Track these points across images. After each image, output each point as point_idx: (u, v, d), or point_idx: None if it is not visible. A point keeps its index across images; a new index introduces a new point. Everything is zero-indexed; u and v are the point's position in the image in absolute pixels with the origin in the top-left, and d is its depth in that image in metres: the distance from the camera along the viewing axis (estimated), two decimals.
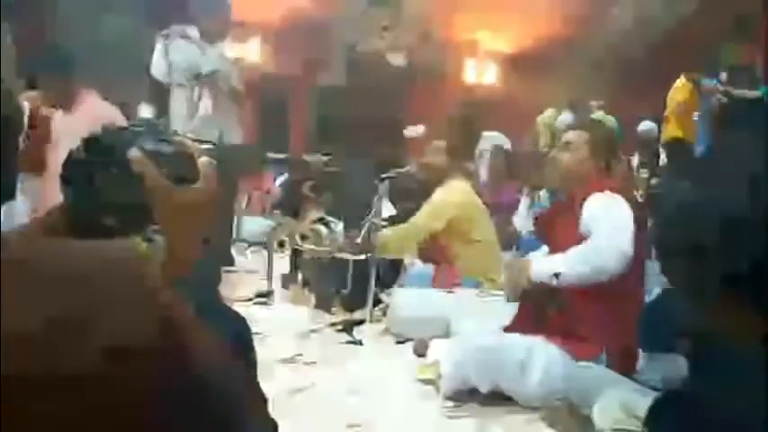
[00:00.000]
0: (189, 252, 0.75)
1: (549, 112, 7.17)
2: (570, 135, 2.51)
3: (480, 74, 9.03)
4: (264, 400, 0.73)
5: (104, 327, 0.49)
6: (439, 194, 3.46)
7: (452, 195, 3.42)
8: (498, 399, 2.29)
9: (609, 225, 2.23)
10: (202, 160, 0.75)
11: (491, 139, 5.90)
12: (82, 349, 0.48)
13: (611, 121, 7.18)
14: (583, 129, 2.53)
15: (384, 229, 3.47)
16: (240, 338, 0.79)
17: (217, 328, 0.63)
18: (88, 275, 0.52)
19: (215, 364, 0.59)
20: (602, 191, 2.32)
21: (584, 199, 2.30)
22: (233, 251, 4.51)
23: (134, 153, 0.71)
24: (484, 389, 2.28)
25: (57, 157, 3.06)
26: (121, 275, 0.53)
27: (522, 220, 4.55)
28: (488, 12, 8.28)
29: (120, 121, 3.47)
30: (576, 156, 2.45)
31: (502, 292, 2.77)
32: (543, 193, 4.83)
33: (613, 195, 2.30)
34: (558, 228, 2.40)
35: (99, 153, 0.72)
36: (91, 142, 0.73)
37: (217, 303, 0.80)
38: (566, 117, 7.44)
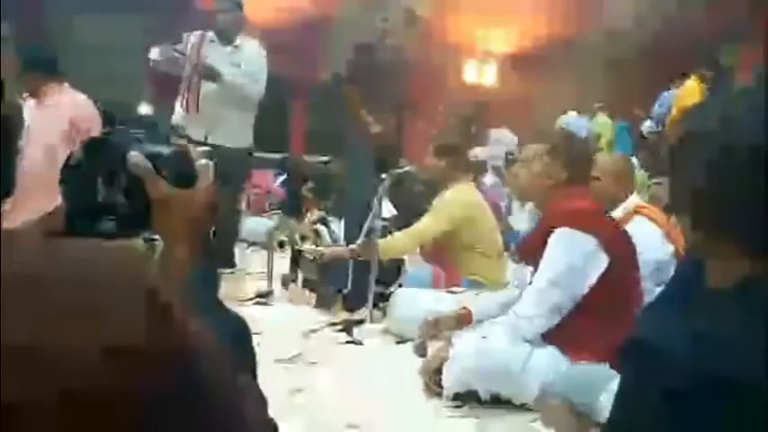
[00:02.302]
0: (188, 253, 0.75)
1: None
2: (526, 150, 2.44)
3: (480, 74, 9.03)
4: (264, 401, 0.73)
5: (103, 327, 0.49)
6: (442, 199, 3.45)
7: (455, 199, 3.40)
8: (498, 399, 2.30)
9: (544, 279, 2.25)
10: (201, 162, 0.75)
11: (496, 136, 5.92)
12: (80, 349, 0.48)
13: (607, 123, 7.17)
14: (539, 141, 2.43)
15: (389, 236, 3.46)
16: (240, 339, 0.79)
17: (216, 329, 0.63)
18: (87, 275, 0.52)
19: (215, 364, 0.59)
20: (570, 216, 2.27)
21: (552, 229, 2.28)
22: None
23: (134, 156, 0.71)
24: (484, 394, 2.28)
25: (29, 150, 2.98)
26: (121, 275, 0.53)
27: (519, 220, 4.54)
28: (488, 12, 8.28)
29: (95, 115, 3.46)
30: (531, 171, 2.37)
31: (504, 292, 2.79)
32: None
33: (575, 234, 2.23)
34: (537, 254, 2.34)
35: (98, 156, 0.73)
36: (90, 145, 0.73)
37: (216, 304, 0.81)
38: (569, 118, 7.43)
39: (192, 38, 4.02)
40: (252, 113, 4.16)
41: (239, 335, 0.79)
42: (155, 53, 3.88)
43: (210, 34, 4.04)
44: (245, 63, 4.00)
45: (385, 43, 4.72)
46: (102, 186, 0.72)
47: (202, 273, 0.78)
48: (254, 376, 0.80)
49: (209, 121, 3.93)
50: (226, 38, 4.03)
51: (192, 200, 0.74)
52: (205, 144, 3.76)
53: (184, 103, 3.97)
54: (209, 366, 0.58)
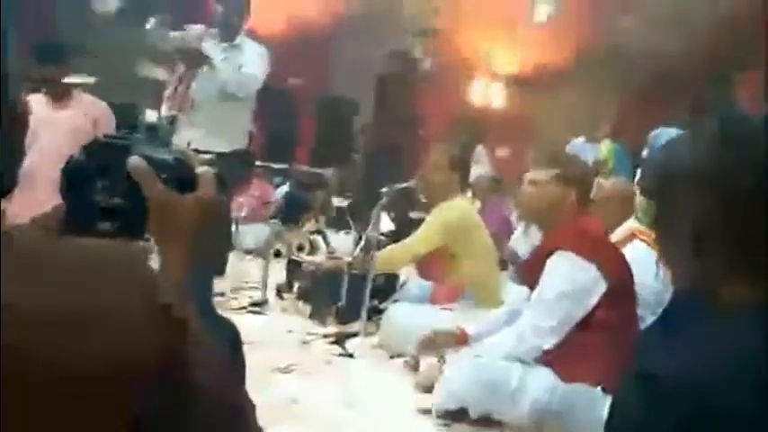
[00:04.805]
0: (183, 257, 0.76)
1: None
2: (534, 174, 2.45)
3: (485, 91, 9.06)
4: (253, 407, 0.74)
5: (107, 323, 0.50)
6: (435, 215, 3.43)
7: (447, 216, 3.38)
8: (489, 419, 2.29)
9: (542, 300, 2.28)
10: (202, 169, 0.76)
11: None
12: (80, 347, 0.48)
13: (611, 149, 7.15)
14: (550, 165, 2.45)
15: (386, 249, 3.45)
16: (231, 344, 0.79)
17: (212, 332, 0.63)
18: (91, 272, 0.52)
19: (213, 364, 0.60)
20: (572, 240, 2.29)
21: (552, 252, 2.30)
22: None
23: (134, 160, 0.72)
24: (474, 413, 2.27)
25: (38, 146, 2.93)
26: (124, 273, 0.54)
27: (519, 242, 4.52)
28: (494, 30, 8.33)
29: (110, 116, 3.44)
30: (541, 193, 2.40)
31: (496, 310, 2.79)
32: None
33: (573, 259, 2.25)
34: (538, 274, 2.35)
35: (99, 159, 0.73)
36: (91, 148, 0.74)
37: (210, 309, 0.81)
38: (575, 143, 7.41)
39: (194, 30, 3.95)
40: (244, 113, 4.03)
41: (232, 340, 0.79)
42: (150, 22, 3.80)
43: (213, 30, 3.97)
44: (242, 62, 3.89)
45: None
46: (102, 189, 0.73)
47: (197, 276, 0.78)
48: (244, 380, 0.81)
49: (192, 125, 3.76)
50: (225, 35, 3.93)
51: (189, 205, 0.74)
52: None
53: (173, 100, 3.85)
54: (207, 365, 0.58)
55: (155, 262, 0.74)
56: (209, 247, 0.87)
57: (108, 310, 0.50)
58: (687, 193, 0.87)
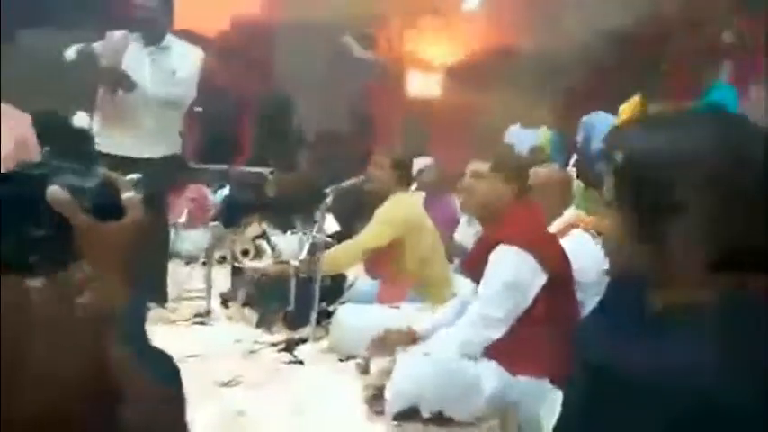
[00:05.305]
0: (116, 286, 0.72)
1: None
2: (475, 165, 2.49)
3: (426, 86, 9.10)
4: None
5: (35, 364, 0.47)
6: (382, 211, 3.43)
7: (395, 212, 3.39)
8: (441, 417, 2.29)
9: (488, 292, 2.31)
10: (128, 195, 0.72)
11: None
12: (12, 387, 0.46)
13: (546, 135, 7.30)
14: (489, 159, 2.48)
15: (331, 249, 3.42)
16: (168, 379, 0.76)
17: (147, 366, 0.61)
18: (19, 312, 0.50)
19: (146, 402, 0.57)
20: (514, 232, 2.32)
21: (494, 245, 2.33)
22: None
23: (53, 191, 0.68)
24: (426, 411, 2.28)
25: None
26: (52, 312, 0.52)
27: (463, 234, 4.56)
28: (431, 25, 8.39)
29: (32, 133, 3.27)
30: (481, 188, 2.44)
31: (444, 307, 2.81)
32: None
33: (516, 251, 2.28)
34: (481, 268, 2.38)
35: (18, 189, 0.69)
36: (8, 177, 0.69)
37: (145, 343, 0.78)
38: (514, 131, 7.53)
39: (115, 38, 3.67)
40: (176, 118, 3.82)
41: (170, 375, 0.76)
42: (71, 52, 3.57)
43: (135, 35, 3.69)
44: (172, 65, 3.68)
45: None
46: (26, 219, 0.69)
47: (132, 307, 0.75)
48: (184, 414, 0.78)
49: (124, 131, 3.62)
50: (150, 37, 3.67)
51: (115, 232, 0.71)
52: (114, 157, 3.43)
53: (100, 111, 3.68)
54: (140, 403, 0.56)
55: (86, 294, 0.71)
56: (144, 274, 0.84)
57: (36, 350, 0.48)
58: (654, 181, 0.87)
